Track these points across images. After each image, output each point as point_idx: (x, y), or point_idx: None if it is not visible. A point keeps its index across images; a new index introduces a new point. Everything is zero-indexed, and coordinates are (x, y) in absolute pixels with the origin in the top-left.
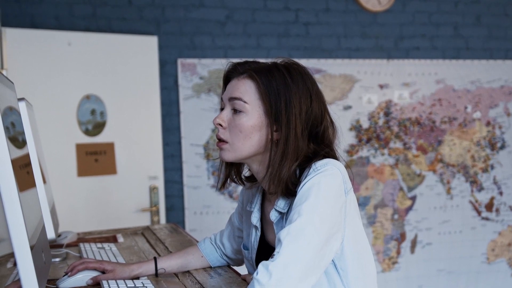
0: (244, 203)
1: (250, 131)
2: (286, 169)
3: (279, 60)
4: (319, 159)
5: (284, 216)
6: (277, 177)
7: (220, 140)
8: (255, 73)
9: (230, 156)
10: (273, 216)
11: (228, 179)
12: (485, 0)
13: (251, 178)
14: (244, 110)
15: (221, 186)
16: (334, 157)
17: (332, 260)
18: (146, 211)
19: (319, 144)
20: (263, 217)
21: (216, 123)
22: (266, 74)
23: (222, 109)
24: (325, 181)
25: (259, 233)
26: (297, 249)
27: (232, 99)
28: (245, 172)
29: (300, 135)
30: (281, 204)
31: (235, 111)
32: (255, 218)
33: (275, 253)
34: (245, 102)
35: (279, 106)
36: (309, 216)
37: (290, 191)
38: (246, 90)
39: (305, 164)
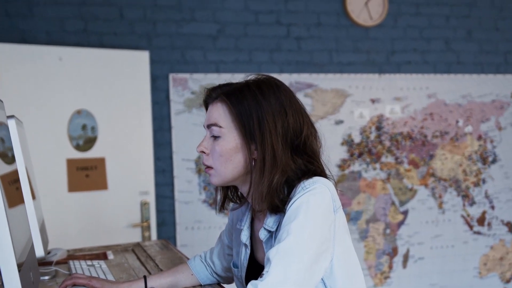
0: (234, 221)
1: (229, 154)
2: (266, 185)
3: (252, 77)
4: (308, 177)
5: (273, 235)
6: (259, 194)
7: (207, 167)
8: (226, 96)
9: (217, 181)
10: (262, 234)
11: (226, 200)
12: (476, 14)
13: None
14: (221, 135)
15: (220, 208)
16: (322, 171)
17: (322, 279)
18: (137, 227)
19: (303, 156)
20: (253, 235)
21: (199, 150)
22: (236, 95)
23: None
24: (314, 200)
25: (248, 251)
26: (286, 268)
27: (209, 125)
28: None
29: (279, 149)
30: (270, 222)
31: (214, 137)
32: (244, 236)
33: (264, 272)
34: (220, 126)
35: (252, 124)
36: (298, 235)
37: (277, 208)
38: (220, 114)
39: (294, 182)
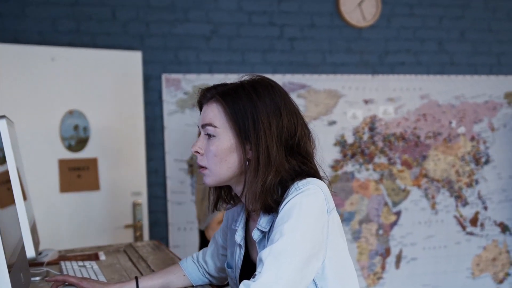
0: (229, 221)
1: (224, 154)
2: (260, 185)
3: (246, 78)
4: (302, 178)
5: (266, 235)
6: (252, 194)
7: (201, 167)
8: (221, 96)
9: (212, 181)
10: (255, 235)
11: (220, 200)
12: (469, 15)
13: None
14: (215, 135)
15: (213, 209)
16: (316, 171)
17: (313, 280)
18: (129, 227)
19: (297, 156)
20: (247, 236)
21: (193, 151)
22: (231, 95)
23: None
24: (307, 201)
25: (243, 252)
26: (279, 269)
27: (204, 125)
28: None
29: (274, 150)
30: (263, 222)
31: (209, 136)
32: (239, 237)
33: (256, 273)
34: (215, 126)
35: (247, 124)
36: (291, 236)
37: (270, 208)
38: (215, 114)
39: (287, 182)
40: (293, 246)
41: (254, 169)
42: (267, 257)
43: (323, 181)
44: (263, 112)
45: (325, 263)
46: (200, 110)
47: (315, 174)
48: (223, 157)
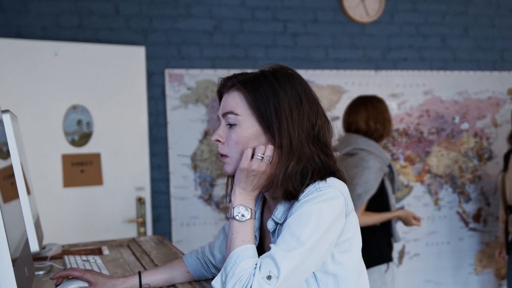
0: None
1: (246, 142)
2: (283, 171)
3: (266, 67)
4: (323, 176)
5: (280, 226)
6: (276, 180)
7: (222, 155)
8: (242, 85)
9: (233, 169)
10: (270, 225)
11: None
12: (472, 11)
13: None
14: (237, 123)
15: (230, 198)
16: (335, 164)
17: (315, 277)
18: (132, 222)
19: (317, 145)
20: (262, 225)
21: (214, 139)
22: (252, 83)
23: None
24: (327, 208)
25: (257, 242)
26: (294, 271)
27: (225, 114)
28: None
29: (296, 136)
30: (278, 214)
31: (230, 125)
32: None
33: (271, 274)
34: (236, 114)
35: (269, 111)
36: (307, 243)
37: (291, 195)
38: (236, 102)
39: (307, 172)
40: (307, 253)
41: (278, 156)
42: (282, 261)
43: (343, 177)
44: (285, 99)
45: (338, 260)
46: (220, 99)
47: (335, 170)
48: (244, 144)
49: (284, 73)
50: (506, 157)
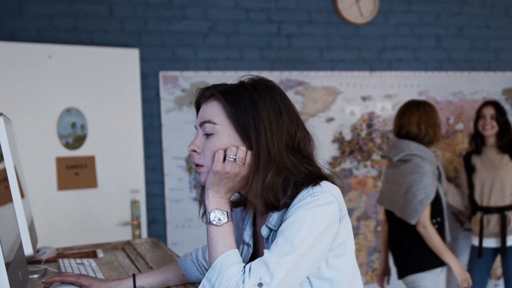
0: (237, 219)
1: None
2: (261, 182)
3: (245, 79)
4: (315, 181)
5: (273, 233)
6: (253, 191)
7: (197, 165)
8: (221, 94)
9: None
10: (264, 231)
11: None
12: (467, 12)
13: (235, 203)
14: (214, 132)
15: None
16: (329, 175)
17: (308, 278)
18: (127, 225)
19: (298, 156)
20: (255, 233)
21: (190, 149)
22: (232, 93)
23: None
24: (320, 213)
25: (251, 251)
26: (287, 276)
27: (202, 123)
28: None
29: (274, 147)
30: (273, 220)
31: (207, 135)
32: (247, 236)
33: (263, 281)
34: (214, 123)
35: (248, 122)
36: (300, 248)
37: (272, 206)
38: (214, 111)
39: (297, 182)
40: (300, 258)
41: (256, 166)
42: (276, 267)
43: (335, 182)
44: (264, 110)
45: (332, 264)
46: (197, 110)
47: (326, 175)
48: None
49: (264, 85)
50: (467, 159)
